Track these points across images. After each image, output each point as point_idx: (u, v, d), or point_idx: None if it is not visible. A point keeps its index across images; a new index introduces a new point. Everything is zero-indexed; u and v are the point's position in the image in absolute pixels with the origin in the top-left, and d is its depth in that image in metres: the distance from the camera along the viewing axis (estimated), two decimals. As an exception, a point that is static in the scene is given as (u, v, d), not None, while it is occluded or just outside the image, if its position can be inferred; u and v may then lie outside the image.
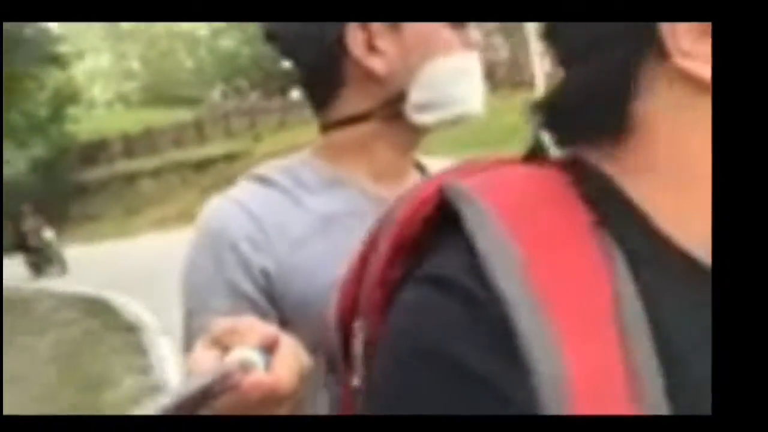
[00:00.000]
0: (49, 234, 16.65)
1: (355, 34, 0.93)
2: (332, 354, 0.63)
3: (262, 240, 0.91)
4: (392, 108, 0.96)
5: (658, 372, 0.46)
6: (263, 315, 0.85)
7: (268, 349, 0.56)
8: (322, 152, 1.01)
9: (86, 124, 26.54)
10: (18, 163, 21.70)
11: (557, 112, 0.52)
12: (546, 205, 0.47)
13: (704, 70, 0.49)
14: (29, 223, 17.23)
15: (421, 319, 0.45)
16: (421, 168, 1.08)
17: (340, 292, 0.60)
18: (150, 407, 0.47)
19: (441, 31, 0.94)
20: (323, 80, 0.97)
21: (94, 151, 25.59)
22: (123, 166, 24.99)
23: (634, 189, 0.50)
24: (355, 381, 0.54)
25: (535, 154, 0.53)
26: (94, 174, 24.21)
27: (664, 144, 0.51)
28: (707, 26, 0.49)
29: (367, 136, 0.97)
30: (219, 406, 0.52)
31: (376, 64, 0.95)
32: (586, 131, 0.51)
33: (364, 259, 0.56)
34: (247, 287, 0.88)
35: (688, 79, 0.50)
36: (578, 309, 0.44)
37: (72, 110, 25.72)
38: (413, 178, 1.03)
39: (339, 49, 0.95)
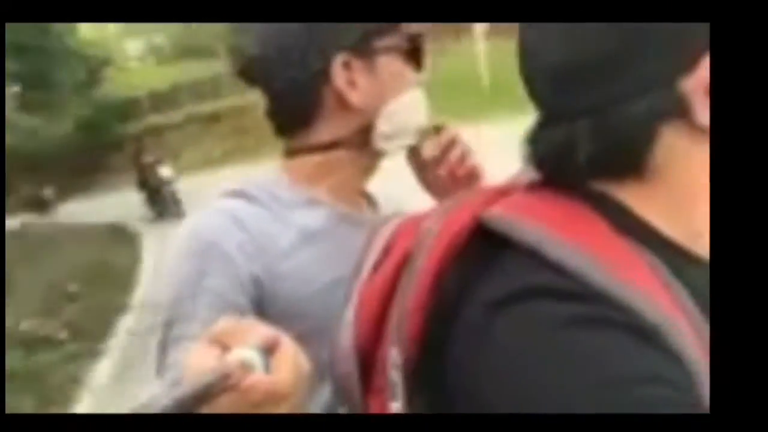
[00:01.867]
0: (167, 171, 14.04)
1: (338, 68, 1.00)
2: (344, 383, 0.65)
3: (253, 248, 0.93)
4: (361, 137, 1.04)
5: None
6: None
7: (268, 349, 0.56)
8: (292, 173, 1.05)
9: (120, 81, 27.88)
10: (64, 123, 23.13)
11: (563, 160, 0.54)
12: (576, 218, 0.53)
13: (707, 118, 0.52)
14: (147, 158, 14.87)
15: (546, 323, 0.49)
16: (368, 196, 1.15)
17: (357, 322, 0.62)
18: (150, 406, 0.47)
19: (405, 70, 1.02)
20: (300, 108, 1.02)
21: (128, 107, 26.57)
22: (152, 120, 25.99)
23: (644, 211, 0.55)
24: (395, 407, 0.56)
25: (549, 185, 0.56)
26: (127, 128, 25.00)
27: (677, 183, 0.55)
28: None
29: (337, 161, 1.04)
30: (218, 406, 0.52)
31: (354, 97, 1.01)
32: (602, 173, 0.55)
33: (385, 289, 0.60)
34: (235, 296, 0.89)
35: (702, 130, 0.53)
36: (640, 278, 0.50)
37: (107, 71, 26.93)
38: (365, 205, 1.11)
39: (322, 80, 1.01)
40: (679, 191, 0.54)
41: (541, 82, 0.57)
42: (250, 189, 1.02)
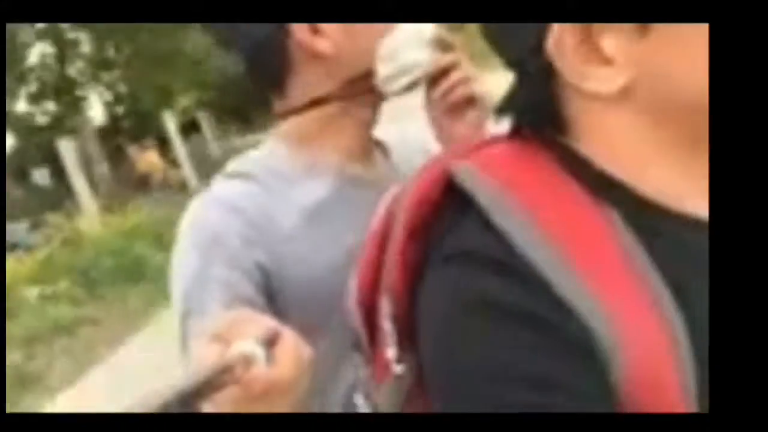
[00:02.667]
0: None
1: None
2: (355, 331, 0.67)
3: (252, 234, 0.90)
4: (355, 87, 0.96)
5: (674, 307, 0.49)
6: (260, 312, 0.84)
7: (270, 342, 0.56)
8: (289, 140, 0.99)
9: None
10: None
11: (515, 110, 0.58)
12: (541, 177, 0.53)
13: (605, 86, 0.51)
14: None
15: (460, 292, 0.50)
16: (379, 144, 1.08)
17: (358, 275, 0.65)
18: (151, 401, 0.47)
19: None
20: (269, 67, 0.96)
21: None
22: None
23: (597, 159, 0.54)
24: (389, 353, 0.58)
25: (516, 133, 0.57)
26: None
27: (598, 137, 0.54)
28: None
29: (333, 116, 0.97)
30: (221, 400, 0.52)
31: (321, 44, 0.94)
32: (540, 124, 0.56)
33: (380, 242, 0.61)
34: (242, 286, 0.87)
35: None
36: (595, 260, 0.48)
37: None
38: (377, 155, 1.05)
39: (281, 34, 0.95)
40: (607, 145, 0.53)
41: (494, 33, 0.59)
42: (248, 168, 0.97)
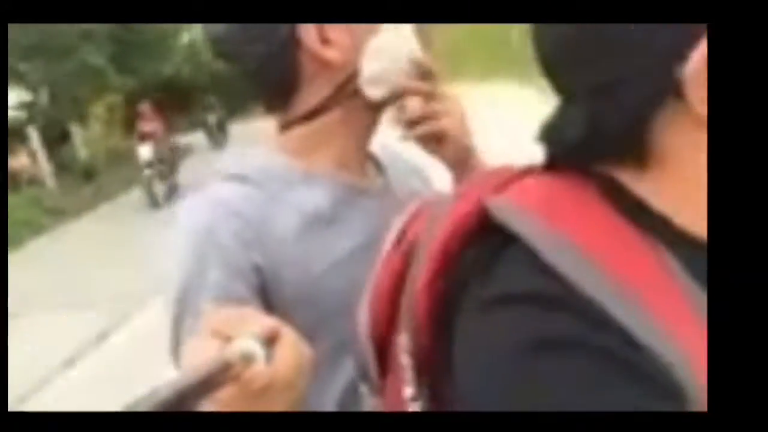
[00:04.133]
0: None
1: (307, 29, 0.94)
2: (363, 363, 0.66)
3: (250, 237, 0.89)
4: (347, 88, 0.96)
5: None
6: None
7: (269, 340, 0.56)
8: (288, 147, 1.00)
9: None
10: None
11: (568, 144, 0.53)
12: (585, 212, 0.50)
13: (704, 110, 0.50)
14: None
15: (526, 333, 0.47)
16: (373, 158, 1.08)
17: (372, 306, 0.63)
18: (150, 399, 0.47)
19: None
20: (279, 79, 0.96)
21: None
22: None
23: (654, 199, 0.52)
24: (407, 392, 0.56)
25: (554, 165, 0.55)
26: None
27: (682, 172, 0.53)
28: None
29: (331, 125, 0.98)
30: (220, 398, 0.52)
31: (331, 54, 0.95)
32: (602, 159, 0.53)
33: (397, 274, 0.60)
34: (237, 288, 0.87)
35: (699, 120, 0.51)
36: (658, 297, 0.47)
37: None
38: (370, 166, 1.05)
39: (293, 45, 0.95)
40: (686, 180, 0.52)
41: (551, 60, 0.56)
42: (246, 171, 0.97)
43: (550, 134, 0.54)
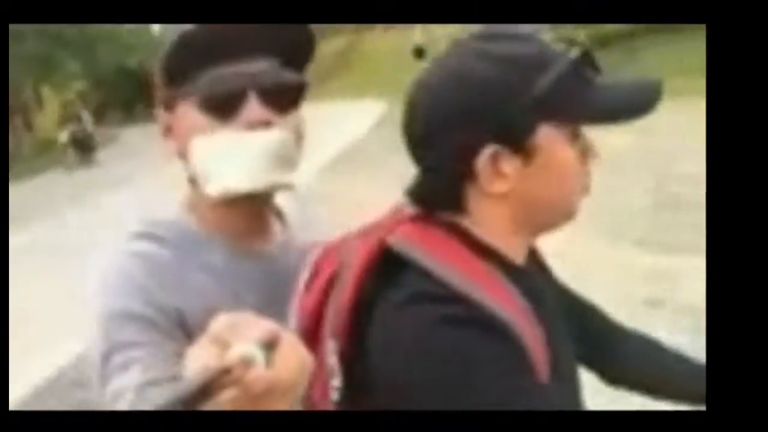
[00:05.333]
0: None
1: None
2: None
3: (166, 282, 0.90)
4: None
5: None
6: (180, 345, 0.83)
7: (269, 344, 0.56)
8: (192, 211, 1.00)
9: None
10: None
11: (418, 202, 0.80)
12: (447, 243, 0.76)
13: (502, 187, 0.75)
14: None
15: (427, 318, 0.69)
16: (278, 214, 1.07)
17: (299, 323, 0.80)
18: (151, 403, 0.47)
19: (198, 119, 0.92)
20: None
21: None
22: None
23: (484, 236, 0.79)
24: (336, 382, 0.73)
25: (424, 216, 0.79)
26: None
27: (489, 221, 0.78)
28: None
29: (235, 201, 0.95)
30: (220, 402, 0.52)
31: (170, 143, 0.96)
32: (442, 210, 0.79)
33: (319, 298, 0.79)
34: (161, 321, 0.85)
35: (490, 193, 0.76)
36: (496, 291, 0.72)
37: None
38: (276, 225, 1.05)
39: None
40: (493, 226, 0.78)
41: (410, 144, 0.80)
42: (158, 230, 0.98)
43: (410, 194, 0.81)
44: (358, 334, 0.73)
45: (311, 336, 0.79)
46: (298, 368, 0.57)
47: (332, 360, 0.74)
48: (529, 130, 0.72)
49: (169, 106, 0.93)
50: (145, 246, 0.96)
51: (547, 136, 0.72)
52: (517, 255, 0.79)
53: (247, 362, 0.53)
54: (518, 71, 0.72)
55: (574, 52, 0.71)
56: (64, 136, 14.22)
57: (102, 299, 0.89)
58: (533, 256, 0.87)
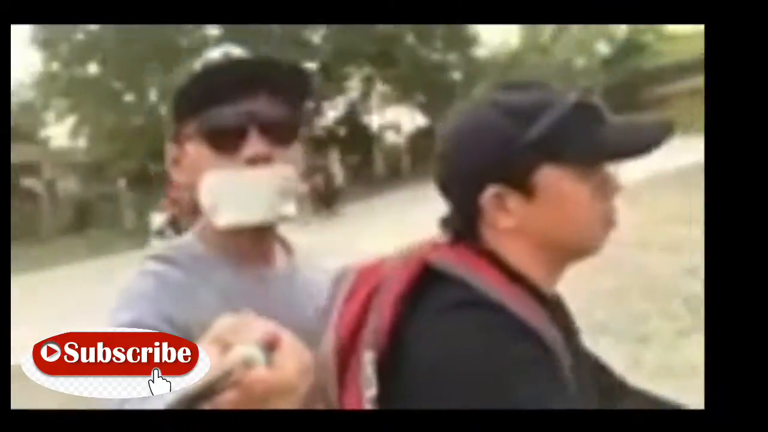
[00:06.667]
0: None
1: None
2: (323, 385, 0.82)
3: (179, 300, 0.95)
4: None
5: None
6: None
7: (270, 345, 0.56)
8: (202, 235, 1.05)
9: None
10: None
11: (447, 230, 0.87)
12: (480, 264, 0.81)
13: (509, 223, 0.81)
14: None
15: (470, 322, 0.74)
16: (284, 243, 1.12)
17: (337, 336, 0.83)
18: (154, 403, 0.47)
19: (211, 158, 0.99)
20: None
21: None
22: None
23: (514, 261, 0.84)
24: (370, 392, 0.75)
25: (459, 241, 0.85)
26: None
27: (511, 252, 0.83)
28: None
29: (242, 230, 1.02)
30: (221, 403, 0.53)
31: (176, 174, 1.03)
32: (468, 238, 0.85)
33: (359, 311, 0.82)
34: (171, 333, 0.89)
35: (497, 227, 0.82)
36: (525, 306, 0.76)
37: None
38: (280, 252, 1.09)
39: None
40: (515, 259, 0.82)
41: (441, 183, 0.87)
42: (171, 252, 1.05)
43: (442, 226, 0.87)
44: (397, 343, 0.76)
45: (347, 350, 0.83)
46: (299, 369, 0.58)
47: (369, 370, 0.77)
48: (528, 170, 0.78)
49: (177, 140, 1.00)
50: (157, 266, 1.02)
51: (550, 175, 0.77)
52: (545, 285, 0.82)
53: (247, 363, 0.54)
54: (516, 117, 0.78)
55: (573, 97, 0.76)
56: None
57: (117, 314, 0.95)
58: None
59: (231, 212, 1.00)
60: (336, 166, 15.12)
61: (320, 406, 0.81)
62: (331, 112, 21.01)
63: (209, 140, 0.96)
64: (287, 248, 1.12)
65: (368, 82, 21.62)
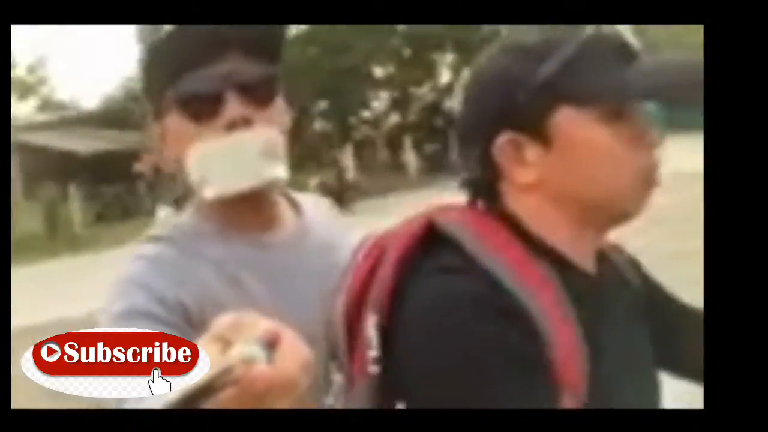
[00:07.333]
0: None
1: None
2: (335, 344, 0.80)
3: (171, 279, 0.93)
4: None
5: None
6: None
7: (270, 343, 0.56)
8: (198, 209, 1.03)
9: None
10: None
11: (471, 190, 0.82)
12: (492, 228, 0.76)
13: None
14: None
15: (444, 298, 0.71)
16: (294, 204, 1.09)
17: (347, 297, 0.80)
18: (153, 401, 0.47)
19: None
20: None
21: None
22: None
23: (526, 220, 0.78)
24: (371, 354, 0.74)
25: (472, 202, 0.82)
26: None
27: (521, 209, 0.78)
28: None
29: (245, 197, 0.98)
30: (222, 401, 0.53)
31: (166, 151, 1.00)
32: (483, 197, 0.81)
33: (367, 271, 0.79)
34: (167, 315, 0.87)
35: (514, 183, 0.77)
36: (532, 282, 0.71)
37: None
38: (289, 215, 1.06)
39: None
40: (539, 222, 0.77)
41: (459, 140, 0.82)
42: (164, 231, 1.02)
43: (462, 185, 0.82)
44: (396, 305, 0.74)
45: (354, 314, 0.80)
46: (300, 367, 0.58)
47: (371, 332, 0.75)
48: (543, 114, 0.72)
49: (157, 116, 0.97)
50: (148, 249, 0.99)
51: (568, 119, 0.71)
52: (575, 253, 0.76)
53: (248, 361, 0.54)
54: (526, 58, 0.71)
55: (589, 31, 0.65)
56: None
57: (110, 306, 0.92)
58: (605, 256, 0.82)
59: (217, 183, 0.96)
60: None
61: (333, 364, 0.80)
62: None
63: (186, 110, 0.94)
64: (298, 210, 1.09)
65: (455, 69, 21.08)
